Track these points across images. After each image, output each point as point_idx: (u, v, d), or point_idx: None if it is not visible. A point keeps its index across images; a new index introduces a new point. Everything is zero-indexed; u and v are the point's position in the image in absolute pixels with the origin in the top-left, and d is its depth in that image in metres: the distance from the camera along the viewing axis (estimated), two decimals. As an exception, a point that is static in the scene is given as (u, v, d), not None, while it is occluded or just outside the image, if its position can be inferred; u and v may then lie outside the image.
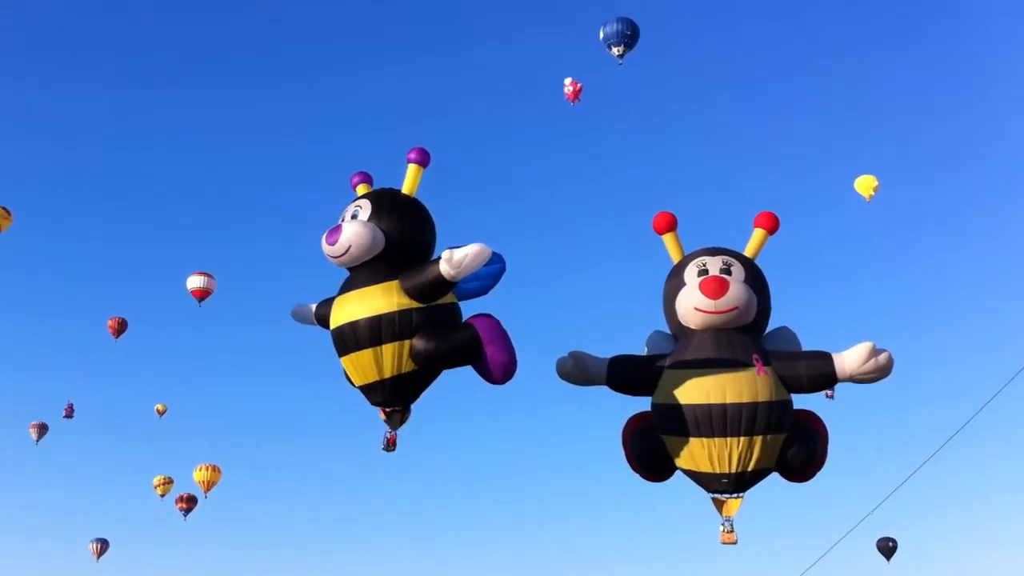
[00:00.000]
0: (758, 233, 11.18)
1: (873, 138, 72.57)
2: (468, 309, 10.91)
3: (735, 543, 10.91)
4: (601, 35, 35.92)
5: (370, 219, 10.70)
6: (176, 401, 46.18)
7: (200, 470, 39.20)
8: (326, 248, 10.66)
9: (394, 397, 10.77)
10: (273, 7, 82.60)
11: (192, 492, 39.99)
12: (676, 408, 10.50)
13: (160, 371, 66.28)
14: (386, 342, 10.34)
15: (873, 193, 38.28)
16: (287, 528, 61.20)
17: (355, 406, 11.25)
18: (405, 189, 11.05)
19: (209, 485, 39.31)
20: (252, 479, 65.69)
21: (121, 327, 41.20)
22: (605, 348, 11.32)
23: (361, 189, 11.38)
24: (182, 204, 78.38)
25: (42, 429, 40.08)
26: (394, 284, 10.43)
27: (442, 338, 10.34)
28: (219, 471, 39.53)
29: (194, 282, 37.42)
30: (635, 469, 11.26)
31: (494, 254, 10.63)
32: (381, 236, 10.55)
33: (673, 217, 11.40)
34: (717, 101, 79.72)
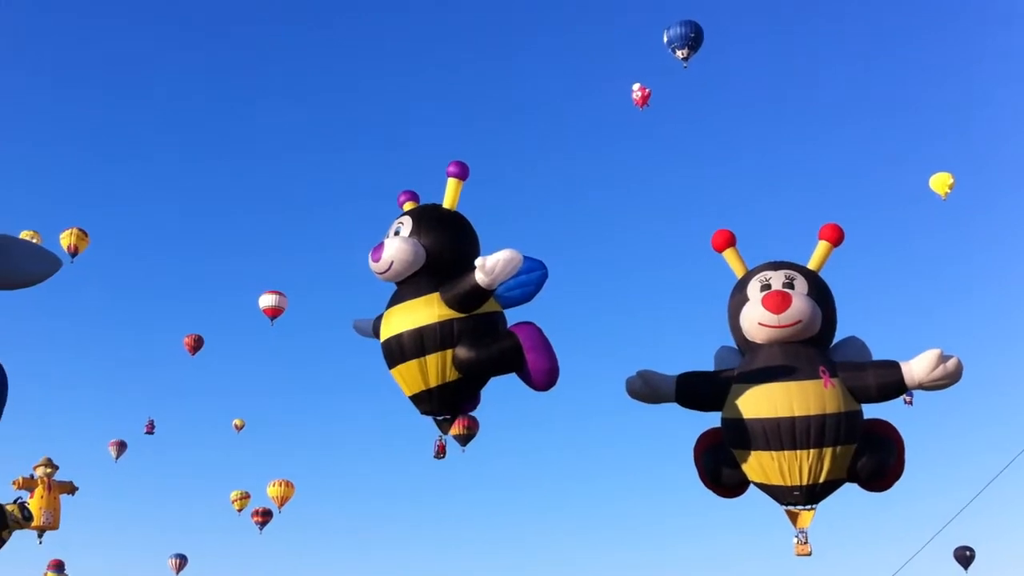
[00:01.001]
0: (822, 245, 11.18)
1: (944, 139, 71.56)
2: (517, 316, 11.08)
3: (809, 555, 10.93)
4: (665, 39, 35.85)
5: (411, 235, 11.04)
6: (251, 416, 46.68)
7: (274, 486, 39.81)
8: (371, 264, 11.04)
9: (442, 406, 11.10)
10: (327, 24, 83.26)
11: (268, 506, 40.56)
12: (745, 422, 10.56)
13: (236, 387, 67.20)
14: (429, 353, 10.64)
15: (949, 191, 37.79)
16: (358, 540, 61.69)
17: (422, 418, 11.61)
18: (446, 203, 11.34)
19: (283, 500, 39.90)
20: (324, 492, 66.39)
21: (197, 344, 41.92)
22: (673, 363, 11.41)
23: (408, 207, 11.63)
24: (254, 222, 79.34)
25: (121, 447, 40.72)
26: (435, 296, 10.70)
27: (483, 347, 10.58)
28: (292, 486, 40.07)
29: (266, 301, 38.02)
30: (708, 485, 11.32)
31: (535, 260, 10.89)
32: (422, 251, 10.88)
33: (730, 234, 11.46)
34: (784, 105, 78.95)
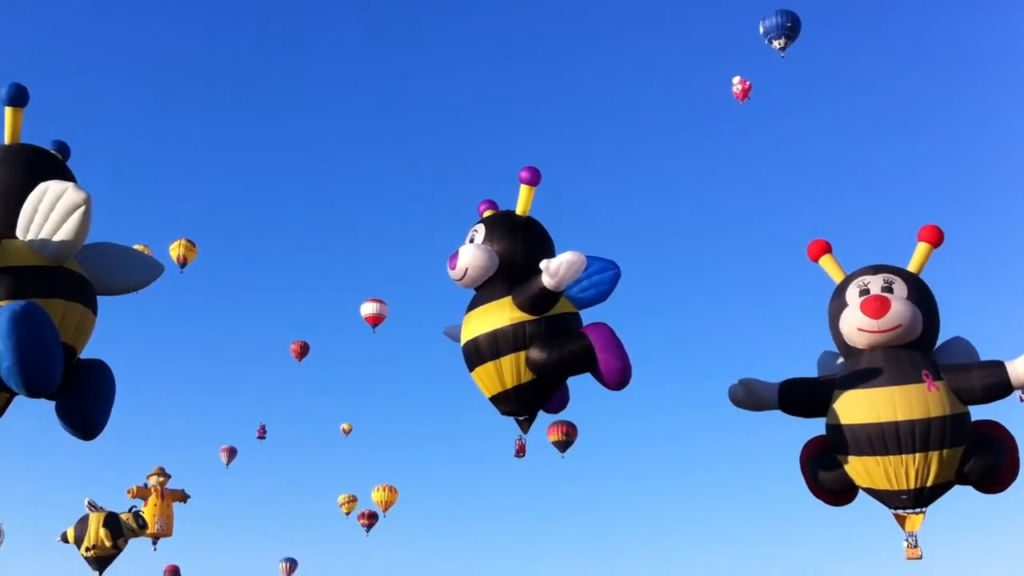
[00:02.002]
0: (922, 247, 11.01)
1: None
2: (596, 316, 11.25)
3: (920, 558, 10.86)
4: (761, 29, 35.37)
5: (484, 241, 11.38)
6: (357, 420, 47.26)
7: (379, 490, 40.39)
8: (449, 272, 11.42)
9: (520, 406, 11.44)
10: (418, 24, 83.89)
11: (374, 509, 41.07)
12: (848, 428, 10.50)
13: (342, 391, 68.16)
14: (504, 355, 11.01)
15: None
16: (461, 541, 62.04)
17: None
18: (519, 209, 11.59)
19: (387, 505, 40.51)
20: (427, 494, 66.96)
21: (303, 350, 42.63)
22: (775, 370, 11.34)
23: (487, 215, 11.94)
24: (357, 230, 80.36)
25: (232, 453, 41.62)
26: (507, 300, 11.03)
27: (555, 348, 10.82)
28: (396, 491, 40.61)
29: (368, 309, 38.47)
30: (816, 493, 11.22)
31: (607, 260, 11.25)
32: (495, 257, 11.20)
33: (825, 243, 11.42)
34: (884, 95, 76.98)
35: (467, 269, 11.25)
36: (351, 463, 65.37)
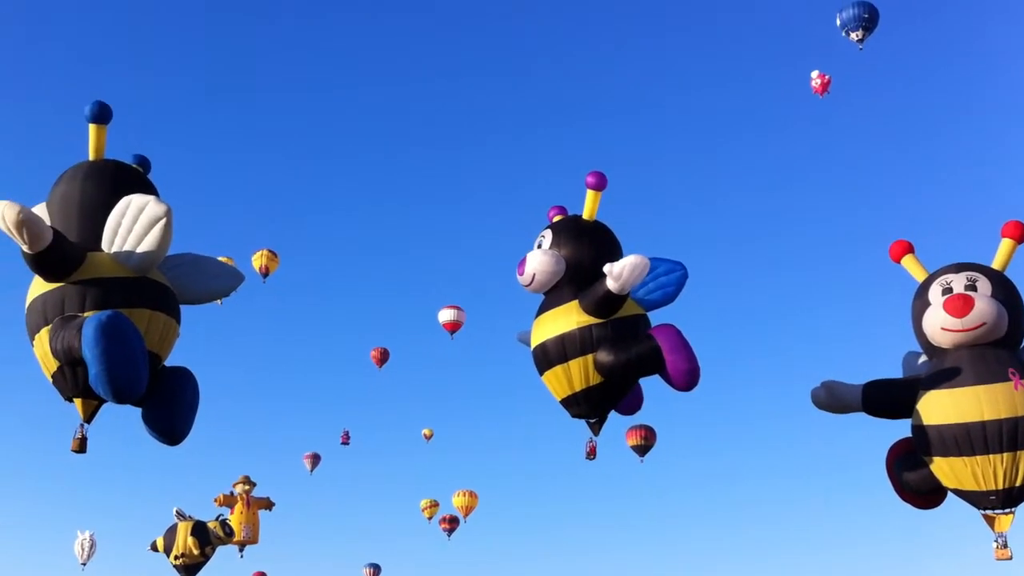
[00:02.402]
0: (1005, 244, 10.82)
1: None
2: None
3: (1010, 559, 10.71)
4: (838, 21, 34.91)
5: (551, 247, 11.48)
6: (437, 425, 47.45)
7: (459, 496, 40.62)
8: (518, 278, 11.51)
9: (589, 409, 11.50)
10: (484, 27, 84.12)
11: (454, 514, 41.29)
12: (935, 429, 10.36)
13: (421, 397, 68.57)
14: (572, 358, 11.10)
15: None
16: (541, 546, 62.09)
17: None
18: (585, 214, 11.62)
19: (468, 510, 40.70)
20: (507, 499, 67.16)
21: (384, 357, 43.01)
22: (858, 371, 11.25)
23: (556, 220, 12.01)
24: (434, 237, 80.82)
25: (315, 459, 42.12)
26: (574, 304, 11.11)
27: (622, 350, 10.87)
28: (476, 496, 40.80)
29: (445, 315, 38.72)
30: (903, 496, 11.09)
31: (674, 262, 11.36)
32: (562, 262, 11.26)
33: (907, 244, 11.27)
34: (966, 89, 75.42)
35: (535, 275, 11.36)
36: (432, 468, 65.90)
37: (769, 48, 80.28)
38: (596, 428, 11.82)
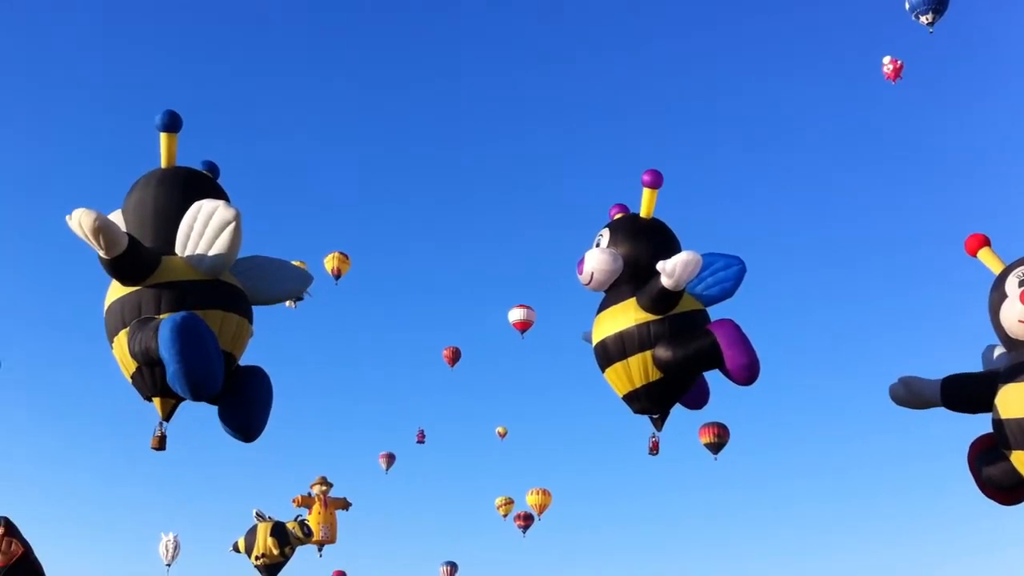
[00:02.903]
0: None
1: None
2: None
3: None
4: (907, 4, 34.37)
5: (609, 245, 11.62)
6: (509, 424, 47.63)
7: (533, 494, 40.81)
8: (577, 277, 11.64)
9: (651, 404, 11.60)
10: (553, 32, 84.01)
11: (529, 511, 41.50)
12: (1014, 423, 10.15)
13: (493, 396, 68.89)
14: (631, 355, 11.22)
15: None
16: (615, 543, 62.03)
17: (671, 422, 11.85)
18: (642, 212, 11.74)
19: (542, 508, 40.92)
20: (580, 496, 67.25)
21: (455, 356, 43.31)
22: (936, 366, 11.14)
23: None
24: (505, 238, 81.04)
25: (390, 459, 42.54)
26: (632, 302, 11.22)
27: (680, 346, 10.95)
28: (550, 494, 40.98)
29: (516, 315, 38.88)
30: (986, 492, 10.97)
31: (732, 256, 11.40)
32: (620, 260, 11.38)
33: (983, 237, 11.08)
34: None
35: (593, 273, 11.47)
36: (506, 466, 66.18)
37: (838, 35, 79.27)
38: (659, 424, 11.91)
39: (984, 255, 10.99)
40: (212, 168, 10.67)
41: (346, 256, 37.29)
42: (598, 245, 11.77)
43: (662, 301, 11.00)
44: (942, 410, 11.01)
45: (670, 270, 10.61)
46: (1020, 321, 10.26)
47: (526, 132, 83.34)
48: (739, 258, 11.54)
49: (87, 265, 9.69)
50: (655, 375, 11.23)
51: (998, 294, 10.59)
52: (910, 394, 11.06)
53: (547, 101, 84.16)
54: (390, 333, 76.82)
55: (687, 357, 11.00)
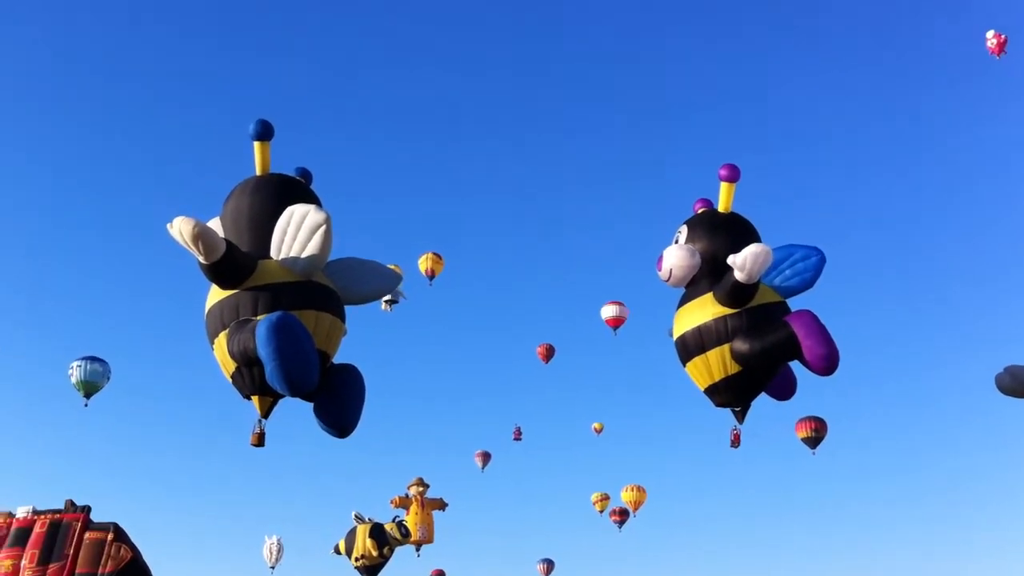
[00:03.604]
0: None
1: None
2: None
3: None
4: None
5: (687, 241, 11.76)
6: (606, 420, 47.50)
7: (628, 490, 40.90)
8: (658, 274, 11.80)
9: (731, 398, 11.75)
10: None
11: (624, 507, 41.55)
12: None
13: (588, 393, 68.90)
14: (709, 349, 11.37)
15: None
16: (711, 538, 61.63)
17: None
18: (720, 207, 11.88)
19: (637, 504, 40.96)
20: (675, 492, 66.96)
21: (549, 352, 43.44)
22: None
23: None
24: (591, 239, 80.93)
25: (486, 457, 42.88)
26: (709, 296, 11.35)
27: (758, 338, 11.04)
28: (644, 491, 40.98)
29: (608, 311, 38.82)
30: None
31: (810, 247, 11.41)
32: (697, 256, 11.53)
33: None
34: None
35: (672, 270, 11.64)
36: (602, 462, 66.12)
37: (941, 7, 77.35)
38: (740, 417, 12.02)
39: None
40: (305, 174, 11.03)
41: (439, 256, 37.67)
42: (677, 241, 11.92)
43: (737, 294, 11.11)
44: None
45: (740, 263, 10.73)
46: None
47: (619, 123, 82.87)
48: (818, 248, 11.56)
49: (188, 270, 10.10)
50: (734, 368, 11.34)
51: None
52: (1016, 382, 11.03)
53: (643, 91, 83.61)
54: (484, 332, 77.27)
55: (764, 349, 11.08)
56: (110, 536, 13.02)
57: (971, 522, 60.38)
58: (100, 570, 12.75)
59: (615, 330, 39.21)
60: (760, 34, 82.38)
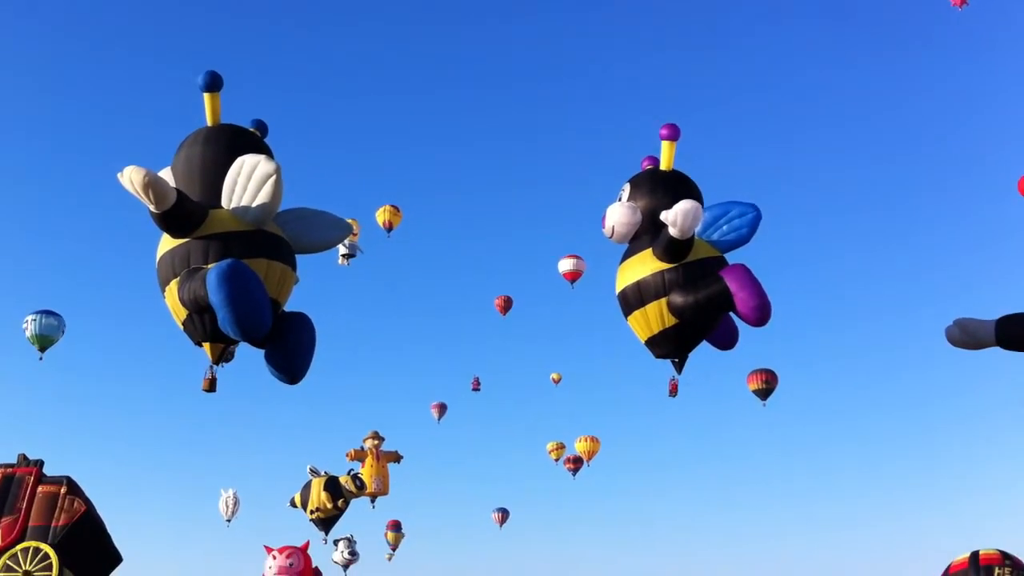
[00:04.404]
0: None
1: None
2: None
3: None
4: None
5: (629, 199, 12.09)
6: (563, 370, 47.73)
7: (582, 441, 41.37)
8: (602, 231, 12.10)
9: (670, 349, 12.18)
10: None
11: (578, 455, 42.04)
12: None
13: (545, 344, 69.19)
14: (648, 302, 11.78)
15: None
16: (663, 486, 62.54)
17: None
18: (662, 165, 12.19)
19: (591, 455, 41.47)
20: (629, 441, 67.76)
21: (507, 304, 43.51)
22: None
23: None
24: (553, 193, 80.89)
25: (442, 409, 43.12)
26: (648, 252, 11.71)
27: (692, 292, 11.43)
28: (598, 441, 41.50)
29: (565, 265, 38.89)
30: None
31: (747, 204, 11.78)
32: (638, 213, 11.82)
33: None
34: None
35: (614, 227, 11.97)
36: (559, 411, 66.63)
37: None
38: (679, 367, 12.44)
39: None
40: (261, 126, 11.18)
41: (397, 209, 37.54)
42: (620, 199, 12.23)
43: (672, 250, 11.46)
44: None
45: (672, 219, 11.07)
46: None
47: (581, 72, 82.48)
48: (754, 205, 11.90)
49: (140, 219, 10.21)
50: (671, 321, 11.74)
51: None
52: (966, 335, 11.24)
53: (597, 39, 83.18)
54: (442, 284, 77.35)
55: (698, 302, 11.45)
56: (63, 490, 13.15)
57: (920, 471, 61.37)
58: (53, 523, 12.89)
59: (572, 284, 39.32)
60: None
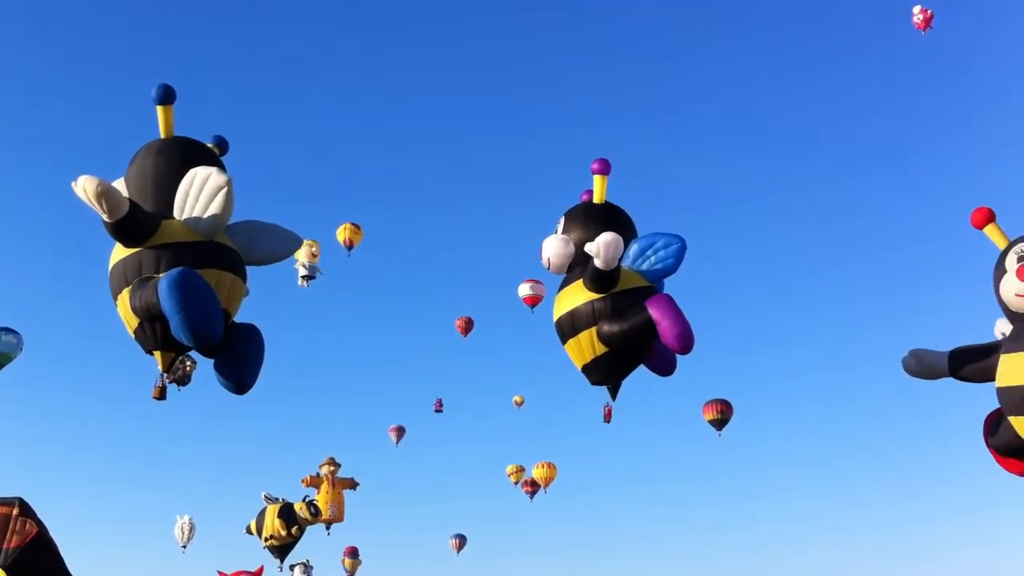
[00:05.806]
0: None
1: None
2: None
3: None
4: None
5: (564, 231, 12.63)
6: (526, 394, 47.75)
7: (539, 467, 41.90)
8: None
9: (603, 376, 12.74)
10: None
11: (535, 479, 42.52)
12: (1013, 390, 10.56)
13: (503, 368, 69.27)
14: (580, 331, 12.32)
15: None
16: (621, 516, 62.65)
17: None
18: (595, 198, 12.74)
19: (547, 481, 41.89)
20: (587, 469, 67.80)
21: (468, 326, 43.57)
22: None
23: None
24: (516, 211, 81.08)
25: (400, 432, 43.06)
26: (579, 282, 12.23)
27: (618, 321, 11.95)
28: (555, 468, 41.84)
29: (524, 290, 39.04)
30: (999, 460, 11.40)
31: (672, 235, 12.17)
32: (571, 245, 12.30)
33: (988, 211, 11.36)
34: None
35: (549, 259, 12.46)
36: (521, 435, 66.64)
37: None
38: (612, 393, 13.00)
39: (991, 231, 11.30)
40: (221, 143, 11.40)
41: (358, 227, 37.51)
42: (556, 231, 12.72)
43: (599, 281, 11.99)
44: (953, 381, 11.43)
45: (595, 251, 11.61)
46: (1017, 295, 10.70)
47: (553, 83, 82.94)
48: (679, 236, 12.28)
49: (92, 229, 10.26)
50: (601, 349, 12.30)
51: (1000, 270, 11.00)
52: (922, 366, 11.55)
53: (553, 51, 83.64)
54: (403, 304, 77.29)
55: (624, 331, 11.99)
56: (15, 511, 12.98)
57: (875, 499, 61.93)
58: (5, 545, 12.70)
59: (532, 308, 39.45)
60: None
